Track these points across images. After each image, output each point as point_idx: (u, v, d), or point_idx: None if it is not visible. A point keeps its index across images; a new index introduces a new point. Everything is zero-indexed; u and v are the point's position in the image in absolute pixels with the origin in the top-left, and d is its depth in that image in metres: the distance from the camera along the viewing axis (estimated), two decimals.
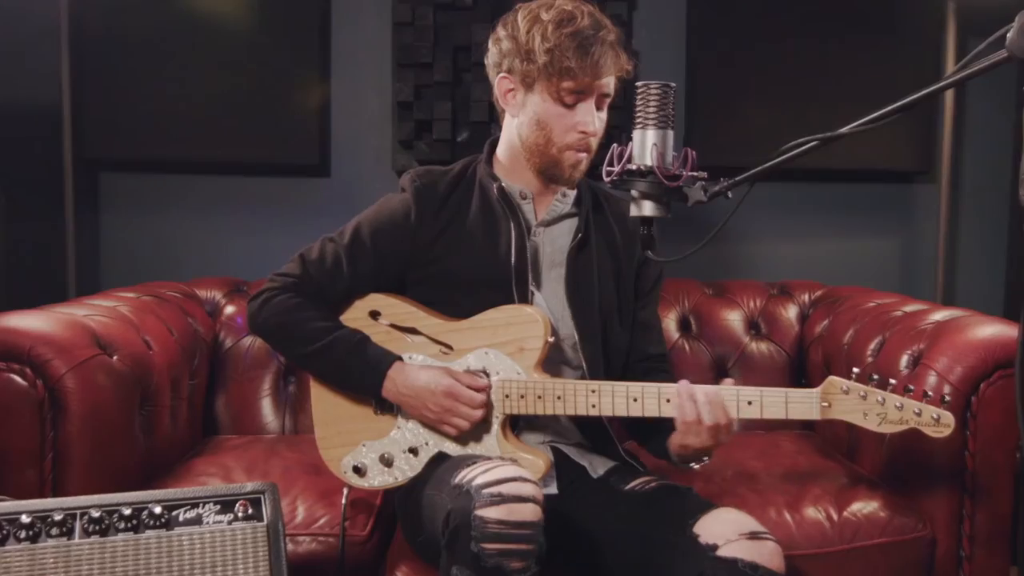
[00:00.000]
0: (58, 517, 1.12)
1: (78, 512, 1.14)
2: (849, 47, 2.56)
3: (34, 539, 1.10)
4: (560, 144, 1.59)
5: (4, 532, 1.10)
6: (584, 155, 1.61)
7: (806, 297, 2.42)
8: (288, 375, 2.27)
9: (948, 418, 1.39)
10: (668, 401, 1.49)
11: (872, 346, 1.97)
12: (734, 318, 2.39)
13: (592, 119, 1.58)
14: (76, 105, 2.47)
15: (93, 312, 1.84)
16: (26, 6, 2.41)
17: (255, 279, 2.38)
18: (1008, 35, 1.10)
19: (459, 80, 2.56)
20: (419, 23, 2.54)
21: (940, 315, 1.89)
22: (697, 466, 1.59)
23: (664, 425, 1.56)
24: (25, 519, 1.10)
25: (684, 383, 1.48)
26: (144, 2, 2.47)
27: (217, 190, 2.63)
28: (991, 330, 1.73)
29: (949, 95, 2.53)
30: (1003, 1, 2.09)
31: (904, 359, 1.82)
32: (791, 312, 2.39)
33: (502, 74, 1.62)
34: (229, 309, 2.31)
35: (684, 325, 2.38)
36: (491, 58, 1.65)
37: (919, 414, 1.39)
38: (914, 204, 2.72)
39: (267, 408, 2.24)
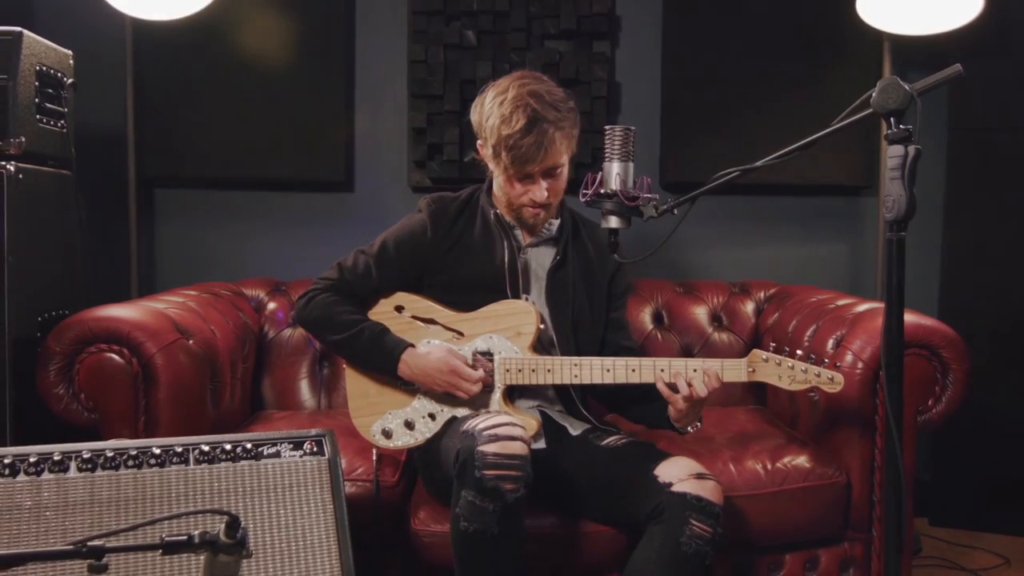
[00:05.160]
0: (179, 449, 1.51)
1: (191, 447, 1.53)
2: (800, 79, 2.85)
3: (162, 465, 1.50)
4: (516, 204, 1.96)
5: (139, 460, 1.50)
6: (540, 211, 1.96)
7: (762, 294, 2.73)
8: (323, 361, 2.58)
9: (839, 378, 1.78)
10: (633, 371, 1.86)
11: (808, 333, 2.30)
12: (700, 312, 2.70)
13: (540, 192, 1.91)
14: (138, 131, 2.78)
15: (169, 306, 2.18)
16: (97, 49, 2.74)
17: (292, 279, 2.72)
18: (873, 95, 1.49)
19: (466, 109, 2.73)
20: (431, 60, 2.82)
21: (862, 307, 2.23)
22: (691, 429, 1.92)
23: (638, 396, 1.93)
24: (156, 450, 1.50)
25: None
26: (196, 45, 2.78)
27: (257, 203, 2.93)
28: None
29: None
30: (928, 39, 2.51)
31: (831, 342, 2.15)
32: (749, 307, 2.71)
33: (478, 139, 1.98)
34: (271, 305, 2.63)
35: (657, 318, 2.70)
36: (473, 117, 1.99)
37: (818, 376, 1.79)
38: (859, 214, 3.00)
39: (305, 388, 2.56)
